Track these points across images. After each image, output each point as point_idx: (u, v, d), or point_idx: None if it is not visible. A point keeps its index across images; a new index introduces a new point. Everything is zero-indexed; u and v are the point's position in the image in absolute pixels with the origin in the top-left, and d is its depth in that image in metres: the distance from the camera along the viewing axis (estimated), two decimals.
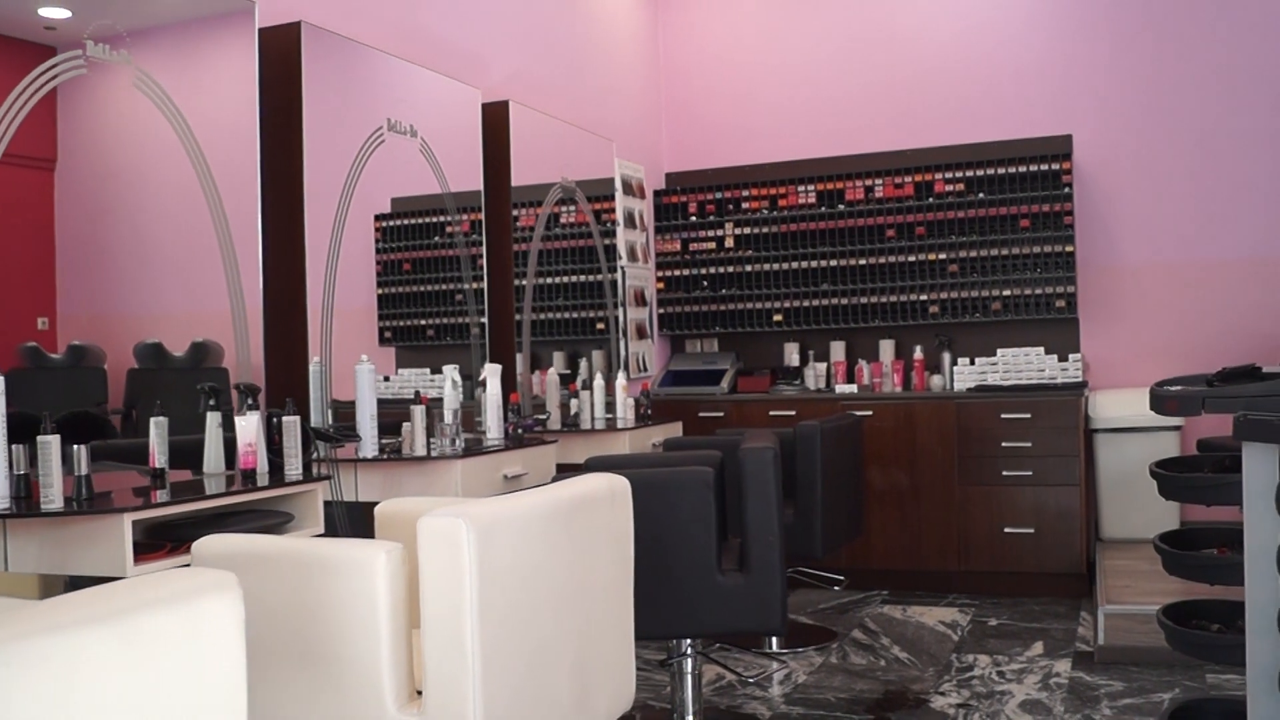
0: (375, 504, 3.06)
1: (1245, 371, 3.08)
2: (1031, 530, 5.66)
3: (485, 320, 4.84)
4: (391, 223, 4.42)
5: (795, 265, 6.48)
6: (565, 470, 4.19)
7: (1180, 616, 3.31)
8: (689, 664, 3.80)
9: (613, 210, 6.12)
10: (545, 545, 2.42)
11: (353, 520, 3.56)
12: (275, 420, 3.09)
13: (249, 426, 2.97)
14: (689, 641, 3.76)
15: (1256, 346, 5.78)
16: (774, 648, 4.91)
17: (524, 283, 5.18)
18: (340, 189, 3.93)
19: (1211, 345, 5.90)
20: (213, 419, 3.09)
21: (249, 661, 1.54)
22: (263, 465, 3.00)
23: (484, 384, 4.34)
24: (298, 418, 3.10)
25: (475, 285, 4.81)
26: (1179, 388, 3.13)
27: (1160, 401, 3.14)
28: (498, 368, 4.36)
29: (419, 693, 2.26)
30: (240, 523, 2.77)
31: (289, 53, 3.71)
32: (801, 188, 6.52)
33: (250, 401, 3.01)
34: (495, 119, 5.03)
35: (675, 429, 5.64)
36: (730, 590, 3.44)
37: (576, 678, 2.54)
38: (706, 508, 3.37)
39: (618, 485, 2.78)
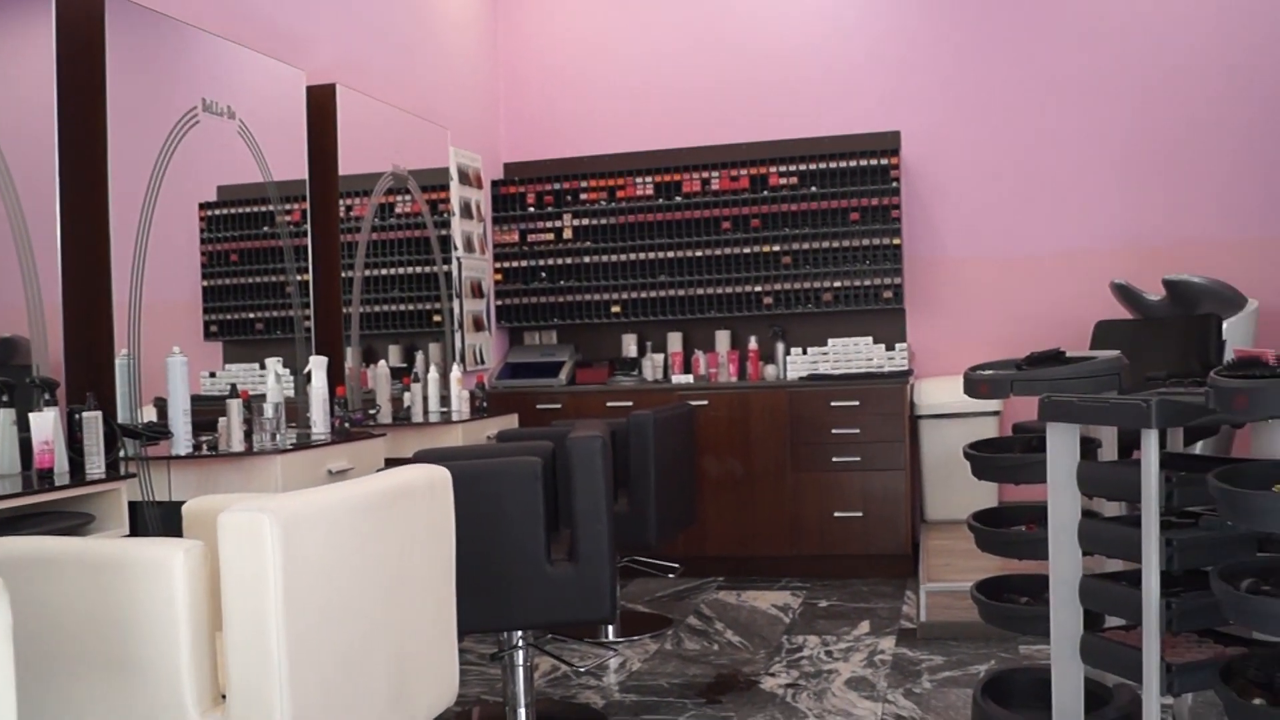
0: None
1: (1051, 356, 3.20)
2: (860, 514, 5.80)
3: (311, 313, 4.73)
4: (217, 211, 4.30)
5: (633, 257, 6.51)
6: (394, 464, 4.12)
7: (993, 591, 3.43)
8: (520, 656, 3.78)
9: (448, 200, 6.05)
10: (358, 539, 2.38)
11: (165, 520, 3.44)
12: (76, 417, 2.97)
13: (44, 423, 2.85)
14: (520, 634, 3.74)
15: (1066, 334, 6.00)
16: (609, 637, 4.93)
17: (354, 274, 5.09)
18: (150, 173, 3.78)
19: (1026, 333, 6.11)
20: (5, 416, 2.94)
21: (40, 669, 1.46)
22: (61, 464, 2.88)
23: (309, 377, 4.25)
24: (99, 413, 2.99)
25: (303, 277, 4.70)
26: (990, 372, 3.23)
27: (973, 385, 3.24)
28: (323, 360, 4.28)
29: (224, 697, 2.20)
30: (37, 525, 2.66)
31: (91, 27, 3.54)
32: (639, 179, 6.55)
33: (47, 397, 2.89)
34: (321, 103, 4.90)
35: (511, 421, 5.61)
36: (560, 581, 3.43)
37: (394, 675, 2.51)
38: (534, 499, 3.36)
39: (437, 477, 2.75)
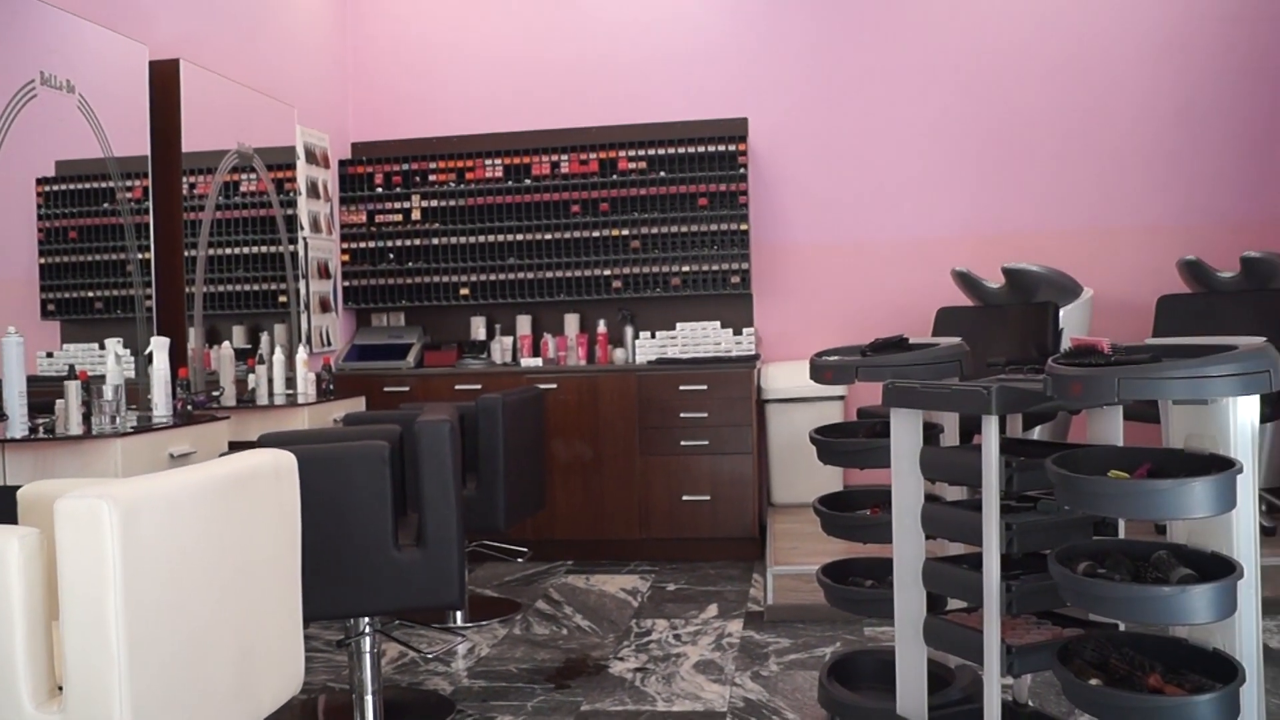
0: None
1: (894, 343, 3.27)
2: (708, 498, 5.86)
3: (153, 292, 4.57)
4: (56, 187, 4.12)
5: (482, 239, 6.45)
6: (238, 447, 4.01)
7: (838, 574, 3.50)
8: (367, 643, 3.72)
9: (294, 179, 5.90)
10: (201, 525, 2.31)
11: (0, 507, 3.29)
12: None
13: None
14: (367, 620, 3.68)
15: (911, 320, 6.19)
16: (458, 622, 4.88)
17: (196, 253, 4.93)
18: None
19: (871, 319, 6.27)
20: None
21: None
22: None
23: (151, 358, 4.11)
24: None
25: (144, 256, 4.54)
26: (836, 358, 3.30)
27: (819, 371, 3.30)
28: (165, 341, 4.14)
29: (60, 689, 2.11)
30: None
31: None
32: (489, 161, 6.49)
33: None
34: (164, 78, 4.75)
35: (358, 404, 5.51)
36: (407, 566, 3.38)
37: (238, 664, 2.44)
38: (381, 483, 3.31)
39: (282, 461, 2.68)
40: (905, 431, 2.98)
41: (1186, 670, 2.46)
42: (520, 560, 5.87)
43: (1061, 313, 5.53)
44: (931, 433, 3.23)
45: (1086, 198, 6.33)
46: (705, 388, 5.86)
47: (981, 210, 6.39)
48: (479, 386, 6.01)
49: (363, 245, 6.57)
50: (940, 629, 2.95)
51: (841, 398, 6.06)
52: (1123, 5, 6.31)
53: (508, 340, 6.48)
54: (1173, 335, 4.98)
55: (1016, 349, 5.24)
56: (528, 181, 6.43)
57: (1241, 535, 2.44)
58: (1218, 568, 2.38)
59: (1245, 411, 2.44)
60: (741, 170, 6.23)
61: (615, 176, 6.34)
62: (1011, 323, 5.56)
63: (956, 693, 3.22)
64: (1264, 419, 4.82)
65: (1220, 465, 2.36)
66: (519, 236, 6.41)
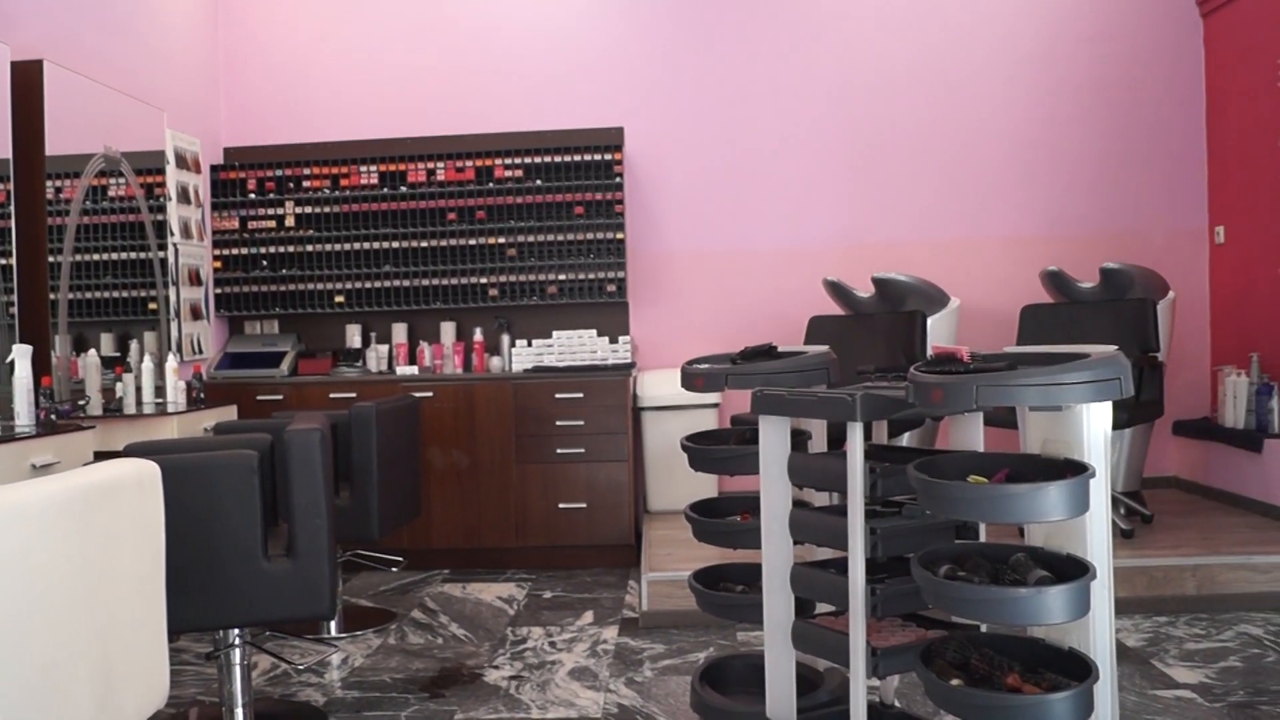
0: None
1: (763, 351, 3.32)
2: (584, 505, 5.87)
3: (15, 298, 4.43)
4: None
5: (357, 246, 6.38)
6: (104, 458, 3.91)
7: (710, 580, 3.53)
8: (237, 655, 3.65)
9: (164, 184, 5.77)
10: (60, 538, 2.24)
11: None
12: None
13: None
14: (237, 632, 3.62)
15: (783, 328, 6.30)
16: (332, 632, 4.82)
17: (61, 259, 4.79)
18: None
19: (745, 327, 6.36)
20: None
21: None
22: None
23: (13, 366, 3.98)
24: None
25: (6, 261, 4.40)
26: (706, 366, 3.33)
27: (690, 379, 3.33)
28: (27, 349, 4.01)
29: None
30: None
31: None
32: (364, 168, 6.41)
33: None
34: (27, 80, 4.61)
35: (230, 413, 5.41)
36: (277, 576, 3.33)
37: (100, 679, 2.37)
38: (250, 493, 3.25)
39: (146, 471, 2.62)
40: (773, 438, 3.02)
41: (1044, 669, 2.54)
42: (395, 569, 5.82)
43: (929, 321, 5.67)
44: (801, 439, 3.28)
45: (954, 210, 6.50)
46: (581, 396, 5.87)
47: (852, 221, 6.52)
48: (354, 395, 5.94)
49: (235, 252, 6.45)
50: (808, 633, 2.99)
51: (716, 405, 6.12)
52: (989, 26, 6.50)
53: (383, 348, 6.41)
54: (1036, 343, 5.14)
55: (885, 357, 5.36)
56: (403, 189, 6.37)
57: (1095, 537, 2.53)
58: (1073, 569, 2.46)
59: (1098, 417, 2.53)
60: (618, 179, 6.26)
61: (492, 184, 6.32)
62: (881, 331, 5.68)
63: (825, 695, 3.27)
64: (1122, 425, 5.01)
65: (1074, 470, 2.45)
66: (395, 244, 6.35)
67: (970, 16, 6.52)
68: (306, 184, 6.44)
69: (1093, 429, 2.52)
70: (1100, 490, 2.50)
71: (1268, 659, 4.07)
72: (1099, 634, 2.54)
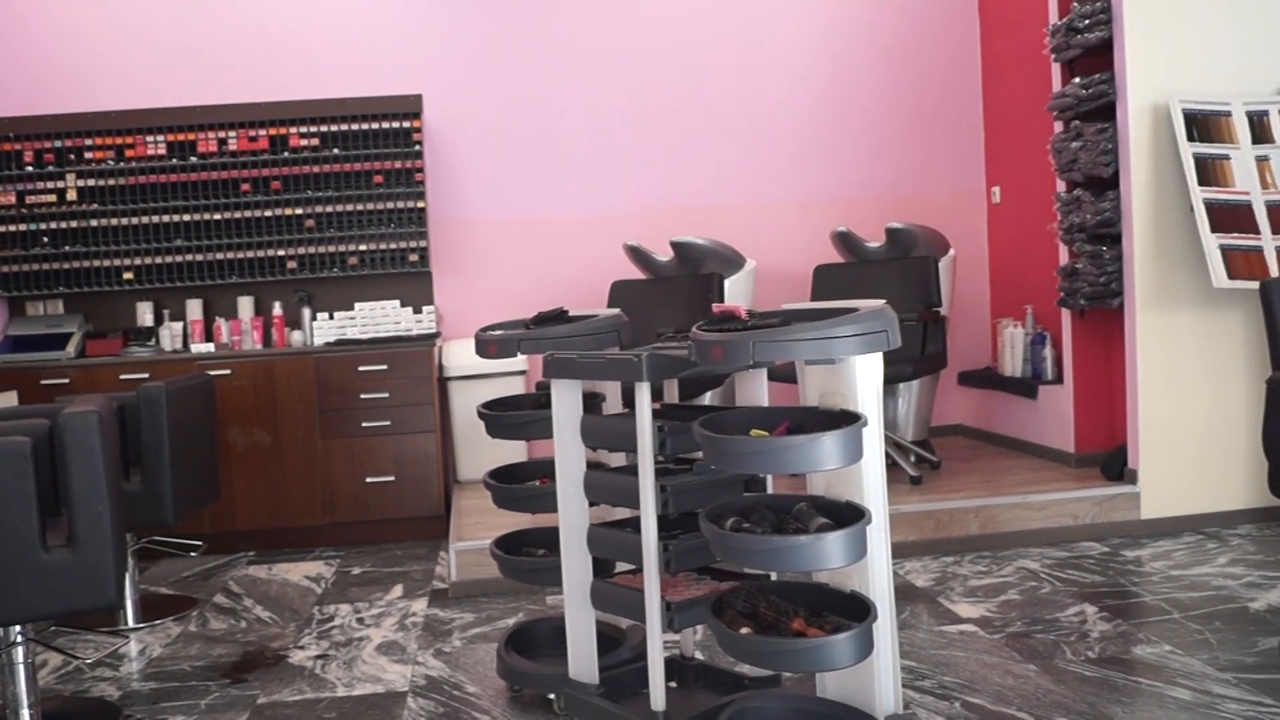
0: None
1: (555, 315, 3.34)
2: (392, 478, 5.82)
3: None
4: None
5: (146, 220, 6.14)
6: None
7: (512, 546, 3.56)
8: (20, 653, 3.50)
9: None
10: None
11: None
12: None
13: None
14: (18, 629, 3.47)
15: (587, 293, 6.35)
16: (129, 623, 4.67)
17: None
18: None
19: (549, 294, 6.38)
20: None
21: None
22: None
23: None
24: None
25: None
26: (499, 333, 3.34)
27: (483, 346, 3.33)
28: None
29: None
30: None
31: None
32: (151, 138, 6.17)
33: None
34: None
35: (10, 399, 5.19)
36: (57, 568, 3.21)
37: None
38: (24, 481, 3.12)
39: None
40: (566, 402, 3.05)
41: (828, 612, 2.64)
42: (195, 555, 5.67)
43: (726, 283, 5.78)
44: (596, 402, 3.32)
45: (748, 174, 6.64)
46: (386, 368, 5.80)
47: (652, 186, 6.60)
48: (146, 375, 5.74)
49: (13, 229, 6.13)
50: (606, 592, 3.05)
51: (523, 372, 6.13)
52: None
53: (178, 326, 6.21)
54: (828, 301, 5.30)
55: (685, 319, 5.45)
56: (194, 159, 6.16)
57: (870, 484, 2.64)
58: (851, 515, 2.56)
59: (869, 369, 2.63)
60: (417, 147, 6.18)
61: (287, 154, 6.17)
62: (680, 294, 5.77)
63: (627, 652, 3.34)
64: (909, 377, 5.21)
65: (849, 420, 2.54)
66: (186, 217, 6.15)
67: None
68: (89, 155, 6.16)
69: (864, 380, 2.62)
70: (873, 438, 2.60)
71: (1043, 590, 4.31)
72: (877, 575, 2.65)
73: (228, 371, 5.77)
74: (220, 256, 6.15)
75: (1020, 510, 4.98)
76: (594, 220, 6.56)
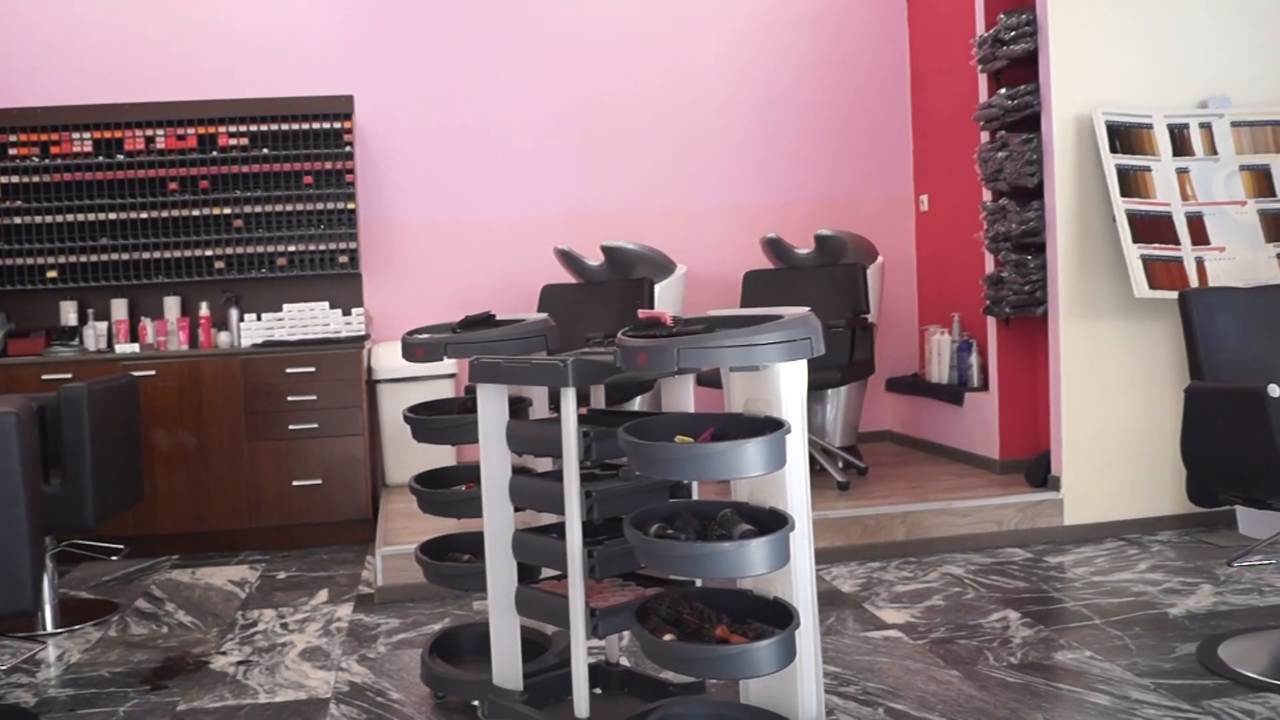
0: None
1: (482, 319, 3.33)
2: (320, 482, 5.76)
3: None
4: None
5: (71, 218, 6.04)
6: None
7: (437, 551, 3.54)
8: None
9: None
10: None
11: None
12: None
13: None
14: None
15: (518, 297, 6.33)
16: (48, 628, 4.58)
17: None
18: None
19: (480, 297, 6.35)
20: None
21: None
22: None
23: None
24: None
25: None
26: (426, 336, 3.32)
27: (409, 349, 3.31)
28: None
29: None
30: None
31: None
32: (77, 135, 6.07)
33: None
34: None
35: None
36: None
37: None
38: None
39: None
40: (491, 406, 3.04)
41: (752, 619, 2.66)
42: (116, 558, 5.57)
43: (657, 288, 5.79)
44: (523, 406, 3.31)
45: (680, 180, 6.67)
46: (314, 370, 5.75)
47: (584, 190, 6.60)
48: (69, 376, 5.63)
49: None
50: (531, 598, 3.04)
51: (452, 375, 6.10)
52: (712, 2, 6.67)
53: (102, 325, 6.11)
54: (757, 307, 5.33)
55: (615, 324, 5.45)
56: (120, 157, 6.07)
57: (794, 490, 2.65)
58: (774, 522, 2.57)
59: (793, 376, 2.64)
60: (348, 148, 6.13)
61: (216, 153, 6.09)
62: (611, 299, 5.77)
63: (552, 658, 3.33)
64: (836, 383, 5.26)
65: (772, 427, 2.56)
66: (112, 215, 6.05)
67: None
68: (13, 151, 6.04)
69: (788, 387, 2.63)
70: (797, 445, 2.62)
71: (967, 596, 4.37)
72: (800, 582, 2.67)
73: (152, 372, 5.69)
74: (147, 256, 6.07)
75: (946, 516, 5.03)
76: (525, 223, 6.54)
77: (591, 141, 6.60)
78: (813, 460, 5.42)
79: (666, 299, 5.85)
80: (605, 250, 5.93)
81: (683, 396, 3.07)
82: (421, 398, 5.79)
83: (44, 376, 5.68)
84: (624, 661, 3.46)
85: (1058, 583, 4.49)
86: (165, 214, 6.06)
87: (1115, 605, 4.16)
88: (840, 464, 5.66)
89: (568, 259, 6.10)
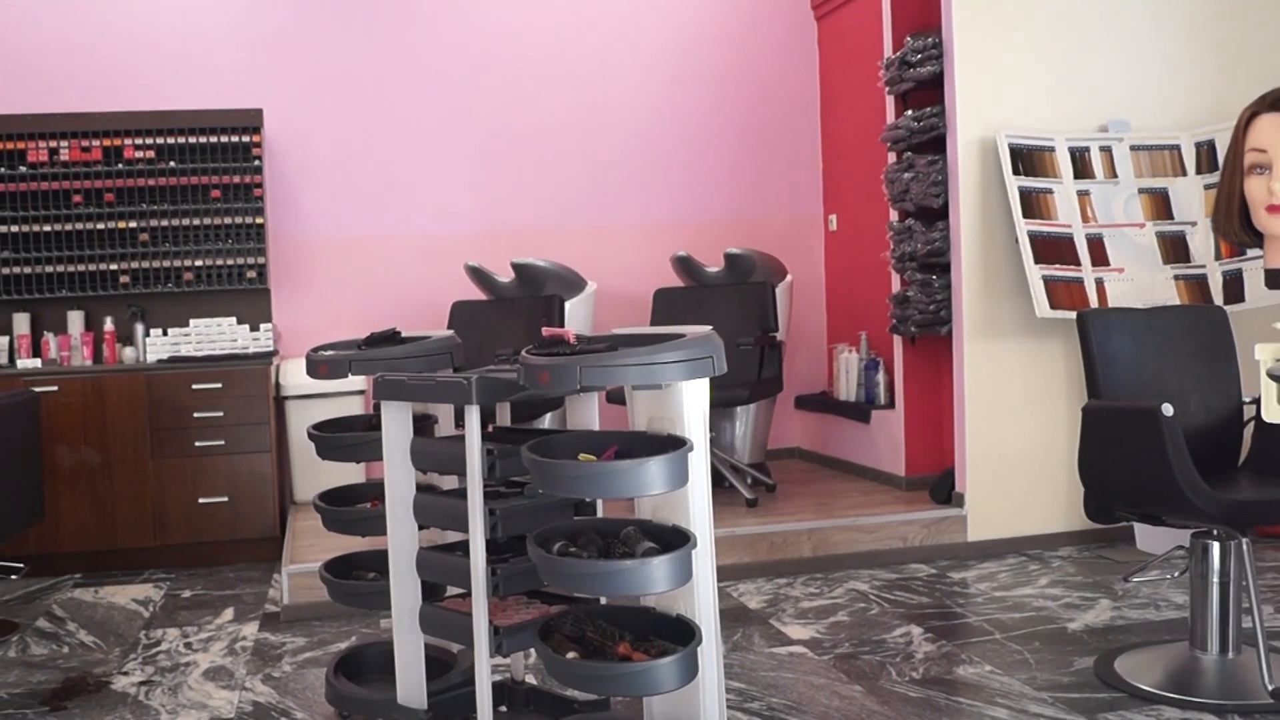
0: None
1: (388, 336, 3.32)
2: (226, 499, 5.69)
3: None
4: None
5: None
6: None
7: (342, 569, 3.51)
8: None
9: None
10: None
11: None
12: None
13: None
14: None
15: (428, 313, 6.31)
16: None
17: None
18: None
19: (390, 313, 6.32)
20: None
21: None
22: None
23: None
24: None
25: None
26: (330, 353, 3.30)
27: (314, 366, 3.29)
28: None
29: None
30: None
31: None
32: None
33: None
34: None
35: None
36: None
37: None
38: None
39: None
40: (395, 423, 3.03)
41: (655, 636, 2.67)
42: (16, 577, 5.44)
43: (567, 306, 5.81)
44: (428, 424, 3.30)
45: (591, 197, 6.71)
46: (220, 386, 5.68)
47: (493, 207, 6.61)
48: None
49: None
50: (435, 616, 3.03)
51: (361, 392, 6.06)
52: (622, 21, 6.74)
53: (3, 340, 5.97)
54: (667, 324, 5.37)
55: (525, 340, 5.44)
56: (22, 169, 5.95)
57: (696, 508, 2.68)
58: (677, 539, 2.59)
59: (696, 394, 2.67)
60: (257, 162, 6.07)
61: (121, 165, 6.00)
62: (521, 315, 5.78)
63: (457, 676, 3.32)
64: (745, 400, 5.31)
65: (675, 445, 2.58)
66: (14, 228, 5.93)
67: (602, 11, 6.71)
68: None
69: (691, 405, 2.66)
70: (699, 463, 2.65)
71: (871, 611, 4.43)
72: (702, 599, 2.69)
73: (55, 388, 5.58)
74: (50, 269, 5.95)
75: (852, 533, 5.10)
76: (436, 240, 6.53)
77: (504, 157, 6.61)
78: (721, 477, 5.47)
79: (577, 316, 5.86)
80: (515, 267, 5.94)
81: (587, 414, 3.08)
82: (330, 414, 5.73)
83: None
84: (529, 679, 3.47)
85: (960, 598, 4.58)
86: (69, 227, 5.96)
87: (1016, 620, 4.25)
88: (749, 481, 5.71)
89: (478, 276, 6.10)
